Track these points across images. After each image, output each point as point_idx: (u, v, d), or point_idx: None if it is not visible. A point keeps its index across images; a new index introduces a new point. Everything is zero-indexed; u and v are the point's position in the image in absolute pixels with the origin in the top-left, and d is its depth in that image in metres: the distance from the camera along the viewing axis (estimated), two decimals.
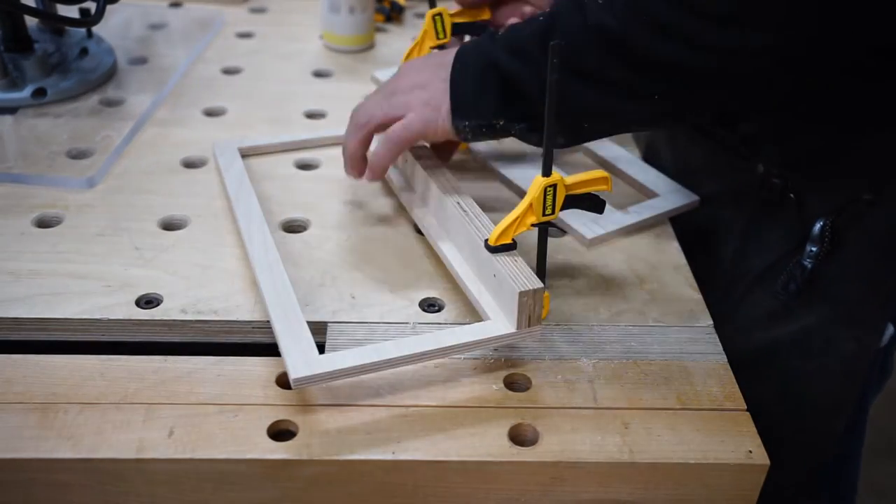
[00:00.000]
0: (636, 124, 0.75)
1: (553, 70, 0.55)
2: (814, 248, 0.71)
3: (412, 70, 0.72)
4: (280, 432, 0.56)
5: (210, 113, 0.92)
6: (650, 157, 0.88)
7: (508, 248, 0.62)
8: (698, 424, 0.58)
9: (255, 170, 0.83)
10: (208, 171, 0.83)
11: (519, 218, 0.61)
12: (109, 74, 0.97)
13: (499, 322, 0.61)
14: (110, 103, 0.92)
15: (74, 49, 0.97)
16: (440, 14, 0.80)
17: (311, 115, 0.93)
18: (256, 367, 0.61)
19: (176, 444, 0.54)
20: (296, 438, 0.55)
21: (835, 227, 0.70)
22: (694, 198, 0.80)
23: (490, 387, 0.60)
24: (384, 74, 0.97)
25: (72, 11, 0.93)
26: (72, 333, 0.64)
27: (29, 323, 0.64)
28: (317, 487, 0.56)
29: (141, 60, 1.02)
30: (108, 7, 0.90)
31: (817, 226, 0.70)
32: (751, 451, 0.56)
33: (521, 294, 0.58)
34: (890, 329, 0.79)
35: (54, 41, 0.97)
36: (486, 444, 0.56)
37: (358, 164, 0.73)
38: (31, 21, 0.94)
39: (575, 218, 0.75)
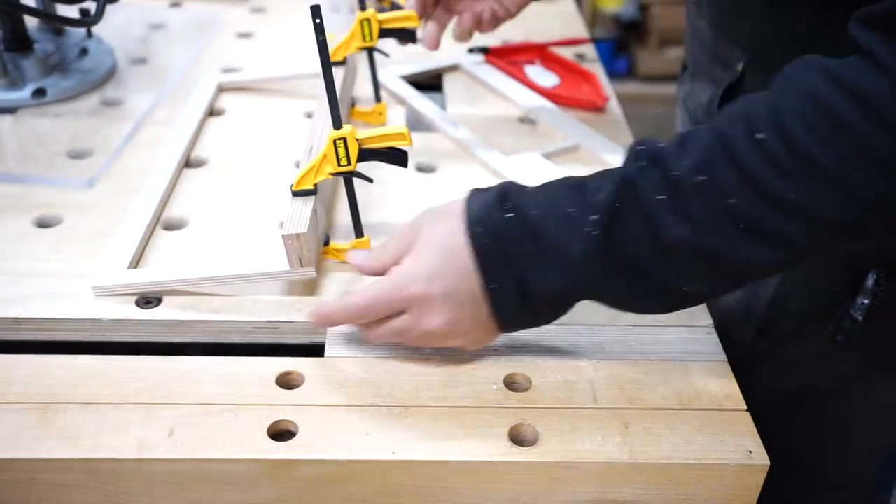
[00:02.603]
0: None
1: (319, 31, 0.55)
2: (865, 301, 0.67)
3: (434, 305, 0.58)
4: (280, 432, 0.56)
5: (210, 113, 0.92)
6: None
7: (309, 193, 0.65)
8: (698, 424, 0.58)
9: (254, 169, 0.83)
10: (208, 171, 0.83)
11: (315, 166, 0.64)
12: (109, 74, 0.97)
13: (280, 261, 0.64)
14: (110, 103, 0.92)
15: (74, 49, 0.97)
16: (368, 19, 0.80)
17: (312, 115, 0.93)
18: (256, 367, 0.61)
19: (176, 444, 0.54)
20: (296, 438, 0.55)
21: (889, 279, 0.66)
22: None
23: (490, 387, 0.60)
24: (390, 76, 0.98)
25: (72, 11, 0.93)
26: (72, 333, 0.64)
27: (28, 323, 0.64)
28: (317, 487, 0.55)
29: (141, 60, 1.02)
30: (108, 7, 0.90)
31: (870, 279, 0.66)
32: (751, 451, 0.56)
33: (285, 237, 0.62)
34: None
35: (54, 41, 0.97)
36: (486, 444, 0.56)
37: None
38: (31, 21, 0.94)
39: None
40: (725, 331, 0.66)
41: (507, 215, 0.56)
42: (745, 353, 0.66)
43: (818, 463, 0.74)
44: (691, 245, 0.52)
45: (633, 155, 0.54)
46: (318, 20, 0.56)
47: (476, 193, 0.59)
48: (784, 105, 0.49)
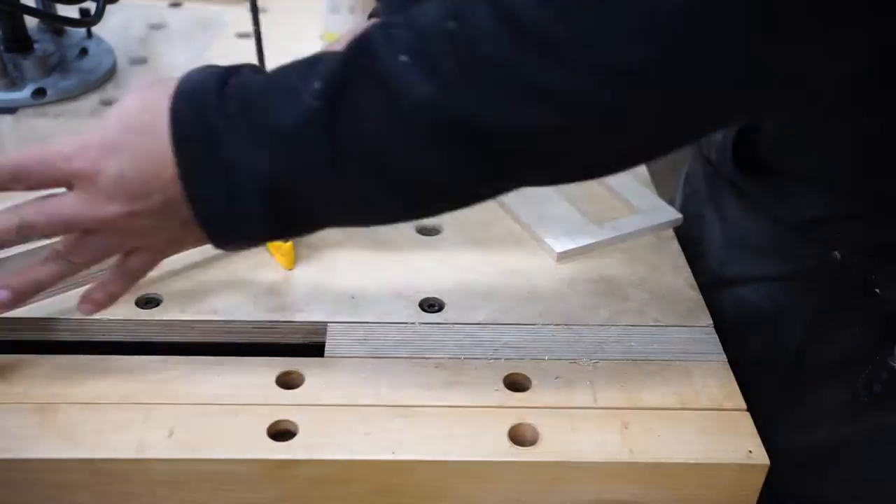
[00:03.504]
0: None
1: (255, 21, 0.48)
2: None
3: (112, 159, 0.47)
4: (280, 432, 0.56)
5: None
6: (691, 219, 0.77)
7: None
8: (698, 424, 0.58)
9: None
10: None
11: None
12: (109, 74, 0.97)
13: None
14: (110, 103, 0.92)
15: (74, 49, 0.97)
16: None
17: None
18: (256, 367, 0.61)
19: (176, 444, 0.54)
20: (296, 438, 0.55)
21: None
22: (676, 216, 0.77)
23: (490, 387, 0.60)
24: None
25: (72, 11, 0.93)
26: (72, 333, 0.64)
27: (29, 323, 0.64)
28: (317, 487, 0.55)
29: (141, 60, 1.02)
30: (108, 7, 0.90)
31: None
32: (751, 451, 0.56)
33: None
34: None
35: (54, 41, 0.97)
36: (486, 444, 0.56)
37: (30, 294, 0.53)
38: (31, 21, 0.94)
39: (546, 231, 0.74)
40: (750, 381, 0.62)
41: (226, 90, 0.46)
42: (770, 402, 0.61)
43: None
44: (437, 107, 0.42)
45: (379, 22, 0.45)
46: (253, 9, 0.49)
47: (201, 69, 0.49)
48: None
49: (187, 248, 0.53)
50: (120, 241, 0.51)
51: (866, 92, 0.55)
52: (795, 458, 0.58)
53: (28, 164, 0.48)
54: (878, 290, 0.61)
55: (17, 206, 0.49)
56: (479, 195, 0.48)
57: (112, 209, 0.47)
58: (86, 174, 0.46)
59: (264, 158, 0.45)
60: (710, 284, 0.71)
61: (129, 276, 0.54)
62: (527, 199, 0.78)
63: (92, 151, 0.46)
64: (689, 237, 0.77)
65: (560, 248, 0.73)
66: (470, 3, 0.41)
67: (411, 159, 0.44)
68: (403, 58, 0.42)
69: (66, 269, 0.52)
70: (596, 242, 0.74)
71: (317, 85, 0.44)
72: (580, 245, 0.73)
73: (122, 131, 0.46)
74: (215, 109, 0.46)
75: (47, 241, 0.60)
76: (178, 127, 0.46)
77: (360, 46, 0.44)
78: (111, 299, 0.54)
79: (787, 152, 0.65)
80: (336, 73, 0.44)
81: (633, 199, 0.80)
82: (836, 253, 0.63)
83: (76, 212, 0.48)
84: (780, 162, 0.66)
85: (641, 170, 0.85)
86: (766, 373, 0.64)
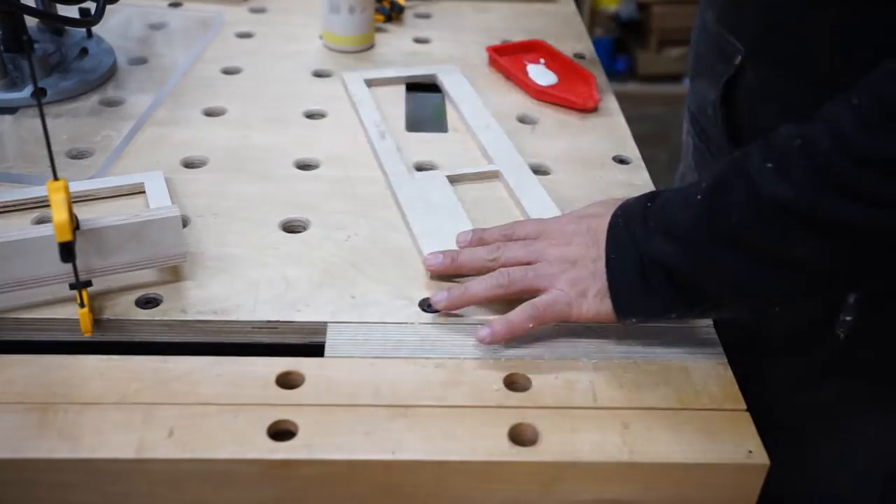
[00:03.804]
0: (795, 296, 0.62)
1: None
2: (848, 318, 0.66)
3: (560, 236, 0.66)
4: (280, 432, 0.56)
5: (210, 113, 0.92)
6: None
7: None
8: (698, 424, 0.58)
9: (254, 169, 0.83)
10: (208, 171, 0.83)
11: None
12: (109, 74, 0.97)
13: None
14: (110, 103, 0.92)
15: (74, 49, 0.97)
16: None
17: (311, 116, 0.93)
18: (256, 367, 0.61)
19: (176, 444, 0.54)
20: (296, 438, 0.55)
21: (872, 297, 0.65)
22: None
23: (490, 387, 0.60)
24: (352, 78, 0.98)
25: (72, 11, 0.93)
26: (72, 333, 0.64)
27: (29, 323, 0.64)
28: (317, 487, 0.56)
29: (141, 60, 1.02)
30: (108, 7, 0.90)
31: (853, 296, 0.65)
32: (751, 451, 0.56)
33: None
34: None
35: (54, 41, 0.97)
36: (486, 444, 0.56)
37: (463, 304, 0.66)
38: (31, 21, 0.94)
39: (426, 244, 0.72)
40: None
41: (648, 204, 0.61)
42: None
43: (810, 496, 0.73)
44: (785, 202, 0.53)
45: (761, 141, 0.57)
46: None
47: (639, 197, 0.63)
48: (879, 77, 0.51)
49: (581, 315, 0.63)
50: (538, 271, 0.64)
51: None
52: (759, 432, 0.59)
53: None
54: None
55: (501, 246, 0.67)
56: (837, 283, 0.59)
57: (561, 252, 0.65)
58: (552, 232, 0.66)
59: (668, 248, 0.59)
60: None
61: (531, 310, 0.63)
62: (427, 212, 0.76)
63: (560, 223, 0.67)
64: None
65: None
66: (811, 128, 0.53)
67: (770, 238, 0.55)
68: (769, 164, 0.54)
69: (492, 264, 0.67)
70: None
71: (703, 185, 0.57)
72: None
73: (578, 225, 0.65)
74: (635, 213, 0.62)
75: (37, 235, 0.60)
76: (611, 226, 0.63)
77: (739, 154, 0.57)
78: (510, 331, 0.63)
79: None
80: (716, 176, 0.57)
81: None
82: None
83: (533, 251, 0.66)
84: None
85: (638, 162, 0.85)
86: (732, 344, 0.66)
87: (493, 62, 1.05)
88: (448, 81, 0.99)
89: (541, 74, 1.01)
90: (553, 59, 1.05)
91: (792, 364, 0.71)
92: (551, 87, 0.99)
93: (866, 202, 0.51)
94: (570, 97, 0.96)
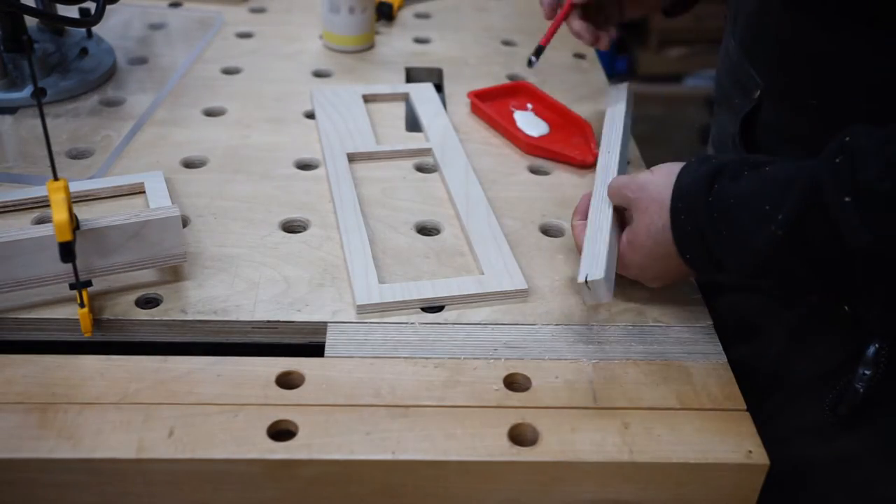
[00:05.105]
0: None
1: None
2: (867, 372, 0.64)
3: (646, 260, 0.66)
4: (280, 432, 0.56)
5: (210, 113, 0.92)
6: None
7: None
8: (698, 424, 0.58)
9: (254, 169, 0.83)
10: (208, 171, 0.83)
11: None
12: (109, 74, 0.97)
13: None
14: (110, 103, 0.92)
15: (74, 49, 0.97)
16: None
17: (311, 116, 0.93)
18: (256, 367, 0.61)
19: (176, 444, 0.54)
20: (296, 438, 0.55)
21: (892, 352, 0.63)
22: (522, 286, 0.69)
23: (490, 387, 0.60)
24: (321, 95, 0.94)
25: (72, 11, 0.93)
26: (72, 333, 0.64)
27: (29, 323, 0.64)
28: (317, 487, 0.56)
29: (141, 60, 1.02)
30: (108, 7, 0.89)
31: (871, 349, 0.64)
32: (751, 451, 0.56)
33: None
34: None
35: (54, 41, 0.97)
36: (486, 444, 0.56)
37: None
38: (31, 21, 0.94)
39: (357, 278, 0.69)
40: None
41: (711, 200, 0.60)
42: (751, 413, 0.61)
43: None
44: (869, 252, 0.53)
45: (833, 148, 0.55)
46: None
47: (688, 170, 0.63)
48: None
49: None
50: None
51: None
52: (769, 476, 0.58)
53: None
54: (846, 308, 0.64)
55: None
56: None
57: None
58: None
59: (741, 263, 0.59)
60: (707, 290, 0.72)
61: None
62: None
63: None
64: None
65: (361, 301, 0.66)
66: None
67: (849, 271, 0.57)
68: (847, 199, 0.53)
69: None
70: (403, 301, 0.67)
71: (780, 217, 0.56)
72: (382, 301, 0.66)
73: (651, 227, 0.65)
74: (704, 216, 0.60)
75: (37, 234, 0.60)
76: (676, 228, 0.62)
77: (815, 180, 0.55)
78: None
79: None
80: (795, 208, 0.56)
81: (486, 260, 0.71)
82: None
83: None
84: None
85: (638, 162, 0.85)
86: (748, 380, 0.64)
87: (475, 109, 0.94)
88: (419, 98, 0.96)
89: (530, 124, 0.91)
90: (541, 104, 0.95)
91: (809, 411, 0.69)
92: (543, 137, 0.89)
93: None
94: (567, 152, 0.86)
